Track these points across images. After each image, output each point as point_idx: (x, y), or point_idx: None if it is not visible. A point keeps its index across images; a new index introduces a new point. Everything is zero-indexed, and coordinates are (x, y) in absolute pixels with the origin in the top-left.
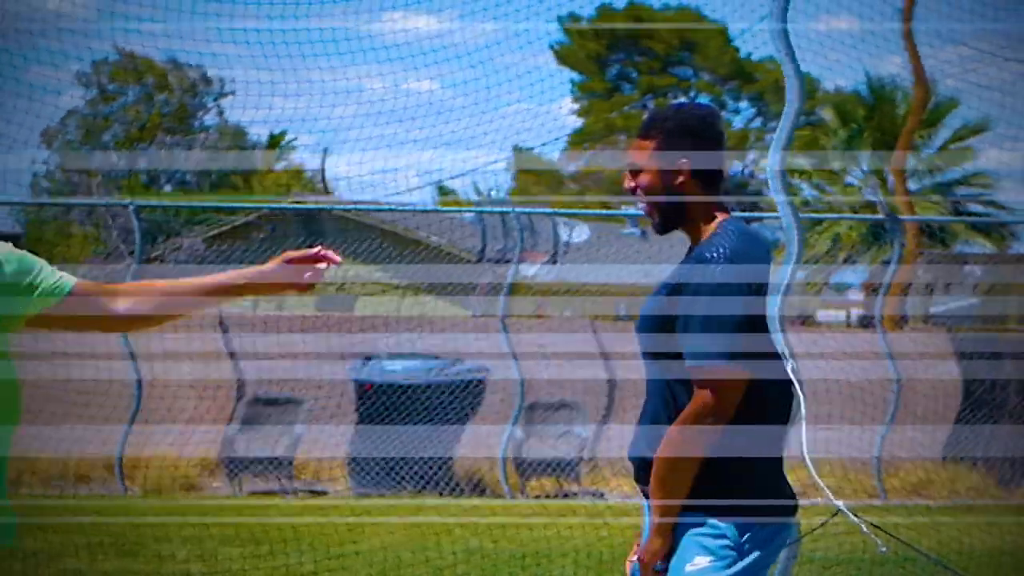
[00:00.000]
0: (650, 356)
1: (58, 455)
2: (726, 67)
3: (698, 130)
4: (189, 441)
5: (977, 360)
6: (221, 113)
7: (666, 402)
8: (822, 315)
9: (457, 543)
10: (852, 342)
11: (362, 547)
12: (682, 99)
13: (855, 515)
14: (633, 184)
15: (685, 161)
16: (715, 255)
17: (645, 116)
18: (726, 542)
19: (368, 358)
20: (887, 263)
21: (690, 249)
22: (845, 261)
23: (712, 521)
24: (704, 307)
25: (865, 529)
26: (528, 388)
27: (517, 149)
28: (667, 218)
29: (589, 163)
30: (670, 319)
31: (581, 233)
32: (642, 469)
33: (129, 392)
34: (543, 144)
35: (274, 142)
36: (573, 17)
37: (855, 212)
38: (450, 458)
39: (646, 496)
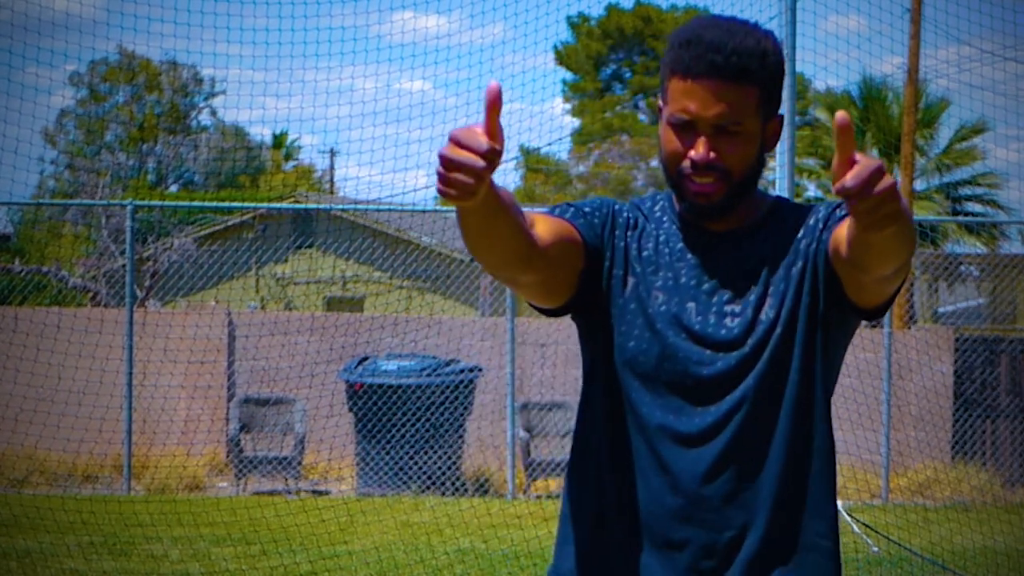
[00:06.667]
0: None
1: (67, 454)
2: None
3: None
4: (194, 441)
5: (985, 360)
6: (214, 113)
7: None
8: None
9: (449, 543)
10: (859, 341)
11: (356, 547)
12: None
13: (849, 515)
14: (713, 154)
15: (782, 113)
16: None
17: (721, 48)
18: None
19: (364, 358)
20: None
21: (741, 232)
22: None
23: None
24: None
25: (856, 529)
26: (519, 388)
27: (524, 150)
28: (739, 193)
29: (597, 162)
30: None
31: None
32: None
33: (119, 391)
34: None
35: (279, 142)
36: (582, 17)
37: None
38: (458, 458)
39: None
